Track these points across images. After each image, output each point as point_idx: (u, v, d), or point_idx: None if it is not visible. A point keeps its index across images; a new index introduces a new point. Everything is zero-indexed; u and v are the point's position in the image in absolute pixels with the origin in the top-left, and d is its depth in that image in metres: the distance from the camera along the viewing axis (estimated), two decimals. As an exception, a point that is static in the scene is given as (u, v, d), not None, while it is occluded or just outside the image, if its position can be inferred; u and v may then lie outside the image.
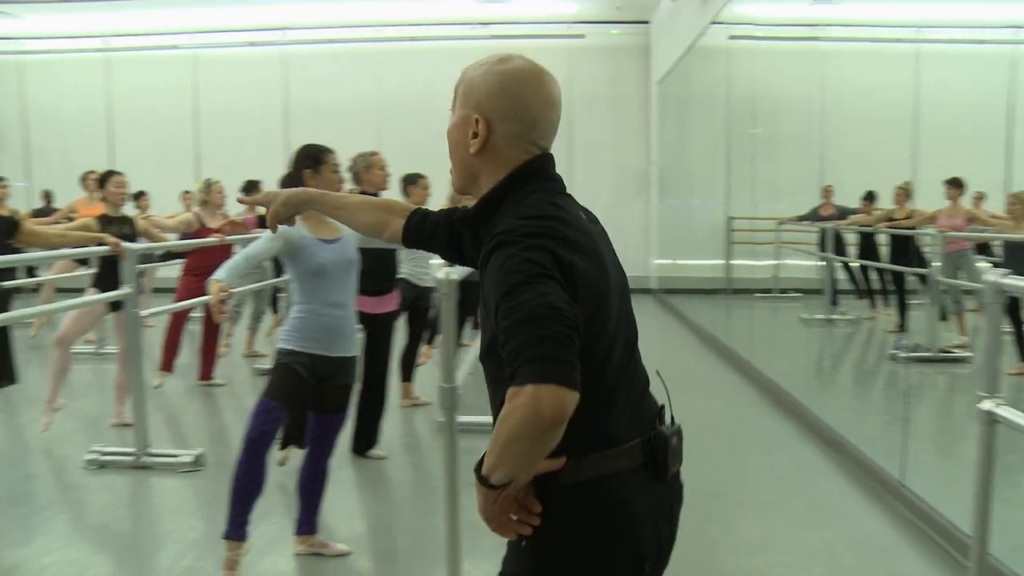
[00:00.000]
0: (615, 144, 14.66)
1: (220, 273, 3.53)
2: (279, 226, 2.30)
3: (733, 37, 9.51)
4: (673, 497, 1.72)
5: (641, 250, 14.55)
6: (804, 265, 8.97)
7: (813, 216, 8.17)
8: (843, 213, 7.81)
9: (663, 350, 10.01)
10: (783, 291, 9.42)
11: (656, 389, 1.75)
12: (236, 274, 3.57)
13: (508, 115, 1.67)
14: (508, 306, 1.44)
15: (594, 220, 1.75)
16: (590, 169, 14.47)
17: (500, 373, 1.50)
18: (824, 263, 8.11)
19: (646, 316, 12.33)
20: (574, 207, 1.68)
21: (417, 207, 2.02)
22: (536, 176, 1.68)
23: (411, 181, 6.37)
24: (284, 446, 5.19)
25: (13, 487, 4.99)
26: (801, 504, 4.73)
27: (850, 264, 8.18)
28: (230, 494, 3.57)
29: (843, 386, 7.81)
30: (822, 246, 8.05)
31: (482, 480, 1.52)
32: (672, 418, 1.73)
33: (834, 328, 8.52)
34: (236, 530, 3.58)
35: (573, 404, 1.38)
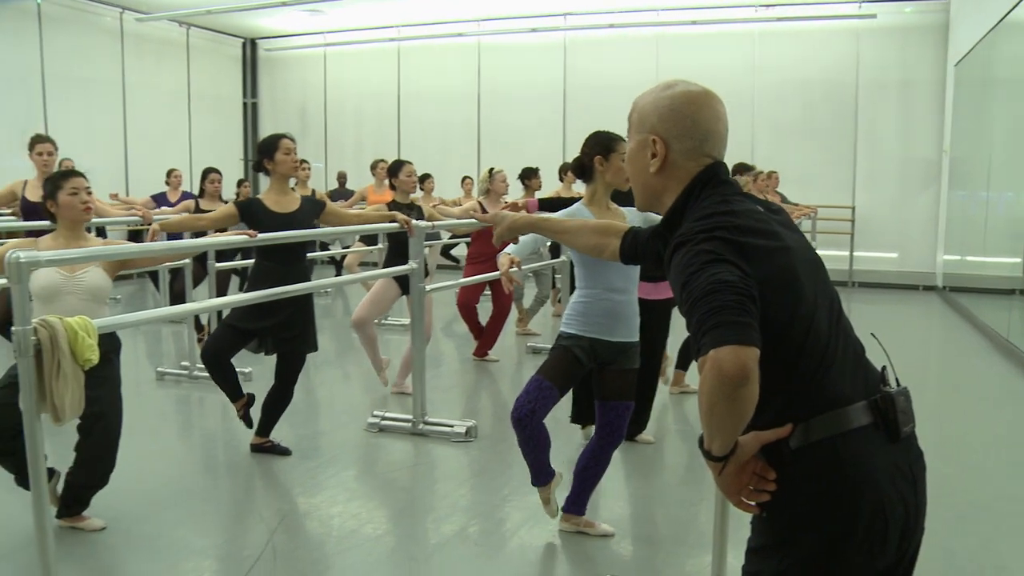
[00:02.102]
0: (903, 131, 13.69)
1: (510, 247, 3.68)
2: (562, 210, 2.48)
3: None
4: (912, 460, 1.72)
5: (927, 245, 13.53)
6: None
7: None
8: None
9: (947, 351, 9.37)
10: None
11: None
12: (525, 250, 3.70)
13: (682, 132, 1.84)
14: (686, 294, 1.60)
15: (778, 211, 1.85)
16: (873, 158, 13.65)
17: None
18: None
19: (929, 315, 11.55)
20: (747, 203, 1.79)
21: (631, 227, 2.19)
22: (709, 183, 1.82)
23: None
24: (584, 425, 5.43)
25: (304, 442, 5.41)
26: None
27: None
28: (523, 454, 3.77)
29: None
30: None
31: (706, 454, 1.64)
32: (896, 380, 1.75)
33: None
34: (540, 477, 3.81)
35: (754, 359, 1.47)
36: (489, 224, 2.51)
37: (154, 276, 10.24)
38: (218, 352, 4.90)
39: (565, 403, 5.95)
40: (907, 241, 13.67)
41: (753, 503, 1.71)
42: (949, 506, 4.30)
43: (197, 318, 7.66)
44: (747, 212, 1.73)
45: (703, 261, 1.61)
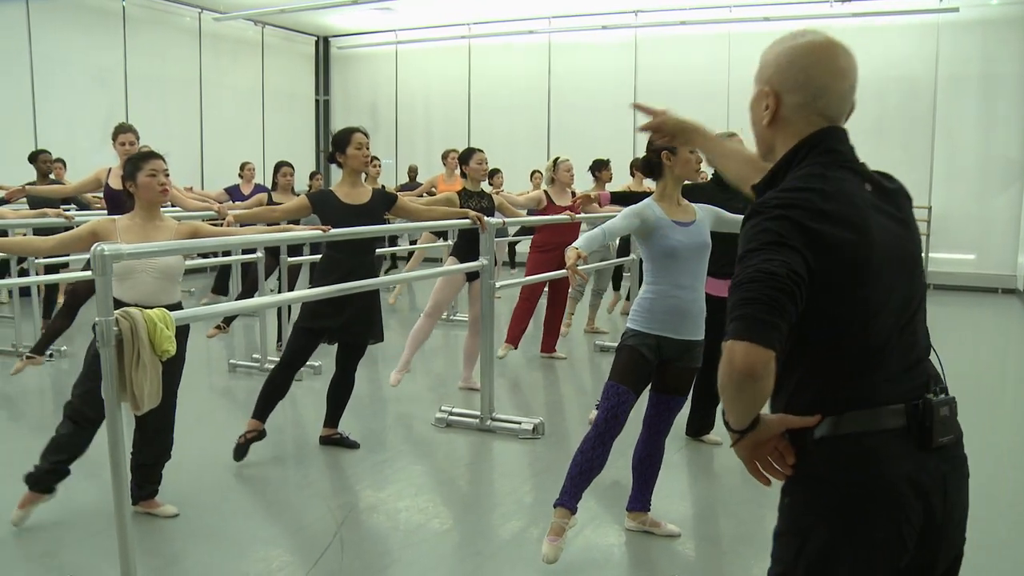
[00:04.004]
0: (983, 128, 13.25)
1: (578, 242, 3.66)
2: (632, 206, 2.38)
3: None
4: (947, 470, 1.68)
5: (1008, 246, 13.10)
6: None
7: None
8: None
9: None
10: None
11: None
12: (593, 246, 3.69)
13: (794, 86, 1.74)
14: (737, 270, 1.61)
15: (883, 192, 1.75)
16: (952, 156, 13.24)
17: None
18: None
19: (1009, 319, 11.20)
20: (846, 180, 1.69)
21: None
22: (815, 149, 1.73)
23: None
24: None
25: (371, 436, 5.47)
26: None
27: None
28: (571, 466, 3.66)
29: None
30: None
31: (725, 423, 1.70)
32: (945, 390, 1.71)
33: None
34: (569, 501, 3.65)
35: (763, 361, 1.49)
36: (650, 112, 2.31)
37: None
38: (296, 356, 4.97)
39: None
40: (986, 242, 13.27)
41: (770, 479, 1.75)
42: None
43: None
44: (838, 195, 1.64)
45: (764, 241, 1.59)
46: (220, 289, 10.24)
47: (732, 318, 1.54)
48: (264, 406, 4.96)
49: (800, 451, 1.69)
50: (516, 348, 7.61)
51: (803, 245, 1.57)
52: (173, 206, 6.63)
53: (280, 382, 4.96)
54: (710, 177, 5.34)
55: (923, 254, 1.81)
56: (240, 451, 4.90)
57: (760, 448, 1.70)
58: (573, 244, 3.66)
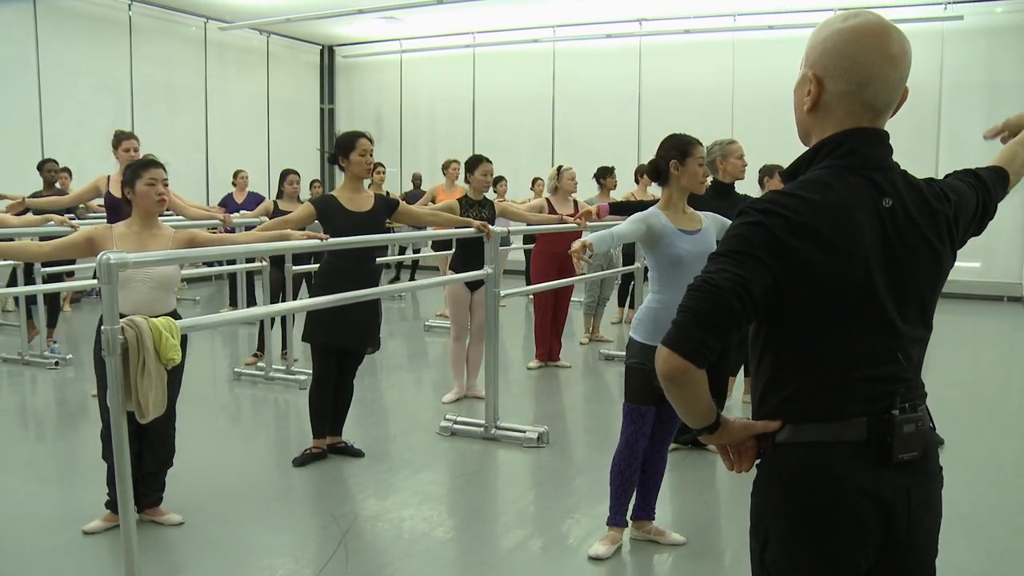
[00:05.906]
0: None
1: (587, 235, 3.69)
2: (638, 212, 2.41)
3: None
4: (911, 484, 1.65)
5: (1013, 254, 13.06)
6: None
7: None
8: None
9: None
10: None
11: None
12: (600, 245, 3.71)
13: (839, 73, 1.62)
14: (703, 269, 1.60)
15: (904, 211, 1.62)
16: (957, 164, 12.74)
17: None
18: None
19: (1014, 328, 11.21)
20: (856, 191, 1.60)
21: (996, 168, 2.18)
22: (837, 149, 1.63)
23: (768, 173, 6.19)
24: None
25: (377, 444, 5.47)
26: None
27: None
28: (613, 486, 3.79)
29: None
30: None
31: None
32: (912, 405, 1.65)
33: None
34: (620, 518, 3.84)
35: (679, 369, 1.53)
36: None
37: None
38: (324, 374, 5.04)
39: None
40: (991, 250, 13.20)
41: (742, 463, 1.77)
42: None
43: (260, 338, 7.73)
44: (834, 207, 1.56)
45: (732, 247, 1.58)
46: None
47: (672, 321, 1.57)
48: (318, 424, 5.12)
49: (764, 452, 1.70)
50: (548, 360, 7.76)
51: (770, 258, 1.54)
52: (177, 215, 6.63)
53: (320, 399, 5.09)
54: (708, 183, 5.34)
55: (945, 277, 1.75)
56: (300, 460, 5.06)
57: (734, 446, 1.73)
58: (581, 239, 3.68)
